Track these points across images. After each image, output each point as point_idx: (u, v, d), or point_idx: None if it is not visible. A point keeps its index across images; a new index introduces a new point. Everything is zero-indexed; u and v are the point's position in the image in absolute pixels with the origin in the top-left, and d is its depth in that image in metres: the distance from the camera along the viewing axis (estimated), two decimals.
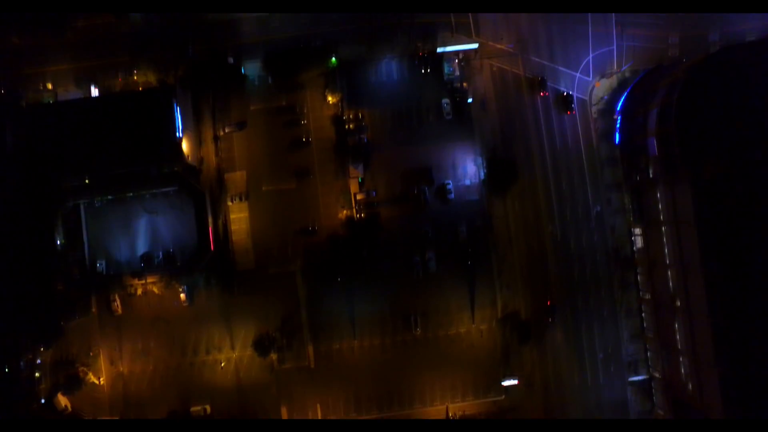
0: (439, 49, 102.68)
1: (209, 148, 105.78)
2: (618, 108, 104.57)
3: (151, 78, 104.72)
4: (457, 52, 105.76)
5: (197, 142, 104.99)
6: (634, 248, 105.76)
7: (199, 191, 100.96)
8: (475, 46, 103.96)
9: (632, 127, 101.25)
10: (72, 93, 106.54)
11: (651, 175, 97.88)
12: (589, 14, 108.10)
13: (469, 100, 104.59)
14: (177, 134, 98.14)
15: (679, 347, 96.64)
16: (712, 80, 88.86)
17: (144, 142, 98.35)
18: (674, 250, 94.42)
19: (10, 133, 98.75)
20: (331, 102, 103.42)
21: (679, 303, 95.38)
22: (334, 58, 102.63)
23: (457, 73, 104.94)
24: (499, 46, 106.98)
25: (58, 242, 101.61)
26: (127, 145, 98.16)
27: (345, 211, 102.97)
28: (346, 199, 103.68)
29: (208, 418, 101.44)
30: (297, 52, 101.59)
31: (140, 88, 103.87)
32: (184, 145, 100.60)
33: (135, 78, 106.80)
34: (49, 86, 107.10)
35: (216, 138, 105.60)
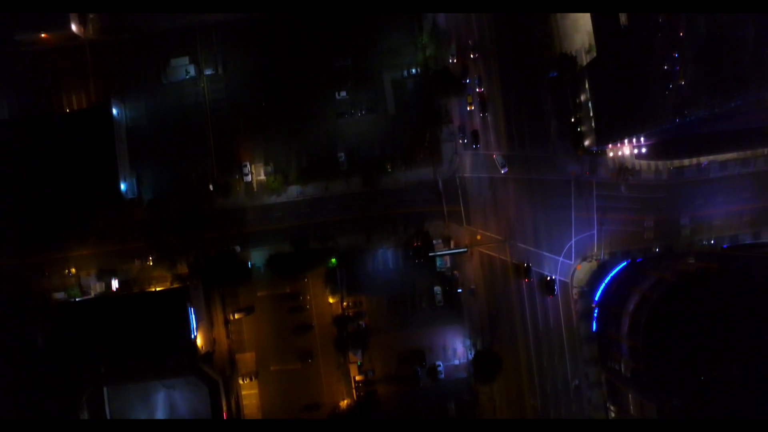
0: (431, 254, 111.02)
1: (221, 331, 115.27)
2: (596, 298, 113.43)
3: (165, 269, 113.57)
4: (448, 242, 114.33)
5: (209, 327, 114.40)
6: (609, 418, 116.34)
7: (213, 380, 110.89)
8: (464, 250, 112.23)
9: (607, 322, 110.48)
10: (93, 277, 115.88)
11: (623, 370, 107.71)
12: (572, 199, 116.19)
13: (459, 290, 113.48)
14: (192, 334, 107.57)
15: None
16: (679, 308, 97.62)
17: (161, 339, 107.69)
18: None
19: (40, 330, 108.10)
20: (331, 301, 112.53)
21: None
22: (334, 259, 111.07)
23: (448, 264, 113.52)
24: (489, 235, 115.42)
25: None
26: (145, 342, 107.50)
27: (346, 400, 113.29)
28: (347, 381, 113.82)
29: None
30: (299, 254, 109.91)
31: (156, 288, 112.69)
32: (198, 337, 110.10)
33: (150, 263, 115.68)
34: (73, 271, 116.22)
35: (227, 322, 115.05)
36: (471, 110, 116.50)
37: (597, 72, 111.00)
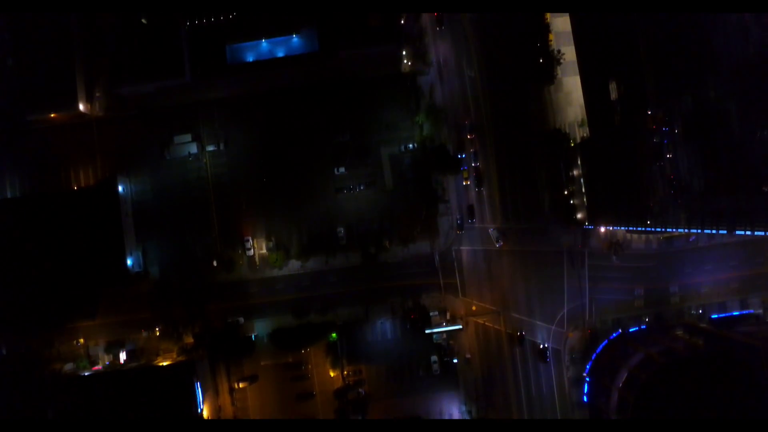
0: (428, 331, 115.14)
1: (226, 399, 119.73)
2: (587, 368, 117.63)
3: (171, 342, 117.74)
4: (444, 314, 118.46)
5: (215, 395, 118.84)
6: None
7: None
8: (459, 327, 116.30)
9: (598, 393, 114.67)
10: (101, 348, 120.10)
11: None
12: (565, 270, 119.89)
13: (455, 359, 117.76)
14: (198, 408, 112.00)
15: None
16: (666, 390, 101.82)
17: (168, 413, 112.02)
18: None
19: (52, 407, 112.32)
20: (332, 375, 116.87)
21: None
22: (334, 334, 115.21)
23: (445, 335, 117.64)
24: (484, 306, 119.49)
25: None
26: (153, 415, 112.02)
27: None
28: None
29: None
30: (300, 329, 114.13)
31: (163, 358, 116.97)
32: (204, 407, 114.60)
33: (157, 333, 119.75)
34: (81, 341, 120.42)
35: (231, 390, 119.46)
36: (467, 185, 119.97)
37: (589, 150, 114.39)
